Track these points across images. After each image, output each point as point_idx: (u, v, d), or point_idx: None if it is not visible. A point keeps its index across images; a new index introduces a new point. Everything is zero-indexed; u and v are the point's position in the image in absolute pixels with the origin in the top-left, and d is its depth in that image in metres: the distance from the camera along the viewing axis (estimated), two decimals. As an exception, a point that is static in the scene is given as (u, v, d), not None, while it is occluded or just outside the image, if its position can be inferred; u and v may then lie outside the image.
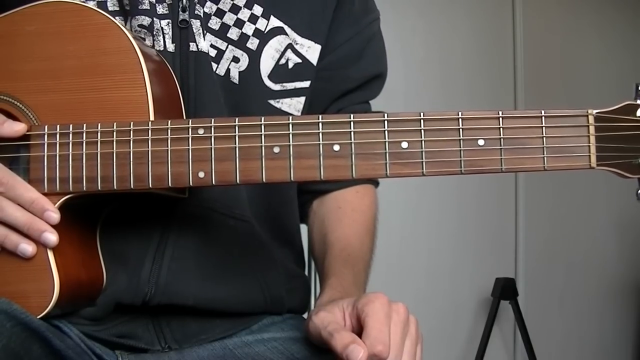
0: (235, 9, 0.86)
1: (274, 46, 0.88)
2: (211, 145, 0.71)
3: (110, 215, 0.80)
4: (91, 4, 0.79)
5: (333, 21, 0.93)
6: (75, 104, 0.74)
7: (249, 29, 0.86)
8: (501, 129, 0.69)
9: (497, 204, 2.74)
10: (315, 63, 0.91)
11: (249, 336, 0.87)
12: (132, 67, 0.73)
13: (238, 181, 0.71)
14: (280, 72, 0.88)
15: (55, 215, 0.72)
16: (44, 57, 0.75)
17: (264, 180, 0.71)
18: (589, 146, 0.69)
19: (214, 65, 0.84)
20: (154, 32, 0.82)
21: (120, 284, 0.79)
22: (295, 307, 0.94)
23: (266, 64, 0.87)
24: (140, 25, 0.82)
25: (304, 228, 1.01)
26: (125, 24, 0.82)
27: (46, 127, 0.74)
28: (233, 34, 0.86)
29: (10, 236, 0.72)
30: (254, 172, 0.71)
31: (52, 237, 0.71)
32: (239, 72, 0.86)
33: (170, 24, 0.82)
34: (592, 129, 0.69)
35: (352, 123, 0.70)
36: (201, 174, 0.71)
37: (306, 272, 1.03)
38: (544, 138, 0.69)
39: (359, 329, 0.69)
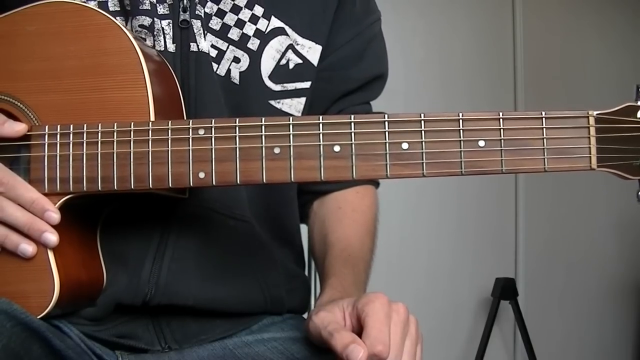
0: (236, 9, 0.86)
1: (275, 47, 0.88)
2: (211, 145, 0.71)
3: (110, 216, 0.80)
4: (92, 4, 0.79)
5: (334, 22, 0.93)
6: (75, 105, 0.74)
7: (249, 29, 0.86)
8: (502, 130, 0.69)
9: (497, 204, 2.74)
10: (316, 64, 0.91)
11: (249, 336, 0.87)
12: (133, 67, 0.73)
13: (238, 182, 0.71)
14: (280, 72, 0.88)
15: (55, 216, 0.72)
16: (45, 57, 0.75)
17: (264, 180, 0.71)
18: (590, 147, 0.69)
19: (215, 66, 0.84)
20: (155, 33, 0.82)
21: (120, 284, 0.79)
22: (295, 307, 0.94)
23: (267, 65, 0.87)
24: (141, 26, 0.82)
25: (304, 228, 1.01)
26: (126, 24, 0.82)
27: (47, 127, 0.74)
28: (234, 34, 0.86)
29: (10, 236, 0.72)
30: (254, 172, 0.71)
31: (52, 237, 0.71)
32: (240, 72, 0.86)
33: (170, 24, 0.82)
34: (592, 130, 0.69)
35: (352, 124, 0.70)
36: (201, 175, 0.71)
37: (306, 272, 1.03)
38: (545, 139, 0.69)
39: (359, 329, 0.69)
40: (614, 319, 2.92)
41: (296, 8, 0.90)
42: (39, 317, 0.71)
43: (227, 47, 0.85)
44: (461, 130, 0.70)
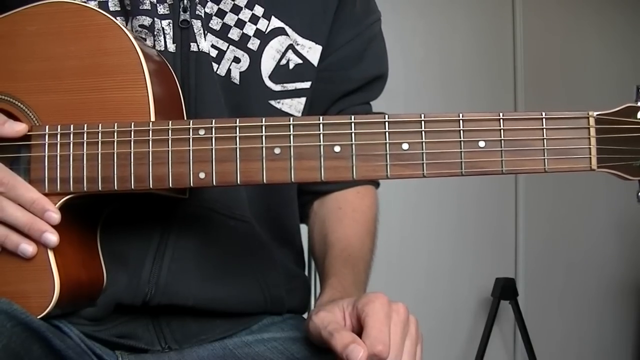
0: (236, 9, 0.86)
1: (275, 47, 0.88)
2: (212, 146, 0.71)
3: (110, 216, 0.80)
4: (92, 4, 0.80)
5: (334, 22, 0.93)
6: (76, 105, 0.74)
7: (249, 29, 0.86)
8: (502, 130, 0.69)
9: (497, 204, 2.74)
10: (316, 64, 0.91)
11: (249, 336, 0.87)
12: (133, 67, 0.73)
13: (239, 182, 0.71)
14: (281, 72, 0.88)
15: (55, 216, 0.72)
16: (45, 57, 0.75)
17: (264, 181, 0.71)
18: (590, 148, 0.69)
19: (215, 66, 0.84)
20: (155, 33, 0.82)
21: (120, 284, 0.79)
22: (295, 307, 0.94)
23: (267, 65, 0.87)
24: (141, 26, 0.82)
25: (304, 228, 1.01)
26: (126, 24, 0.82)
27: (47, 127, 0.74)
28: (234, 34, 0.86)
29: (10, 236, 0.72)
30: (254, 173, 0.71)
31: (52, 237, 0.71)
32: (240, 72, 0.86)
33: (171, 24, 0.82)
34: (592, 131, 0.69)
35: (352, 124, 0.70)
36: (202, 175, 0.71)
37: (306, 272, 1.03)
38: (545, 140, 0.69)
39: (359, 329, 0.69)
40: (614, 319, 2.92)
41: (296, 8, 0.90)
42: (39, 317, 0.71)
43: (228, 47, 0.85)
44: (461, 131, 0.70)
